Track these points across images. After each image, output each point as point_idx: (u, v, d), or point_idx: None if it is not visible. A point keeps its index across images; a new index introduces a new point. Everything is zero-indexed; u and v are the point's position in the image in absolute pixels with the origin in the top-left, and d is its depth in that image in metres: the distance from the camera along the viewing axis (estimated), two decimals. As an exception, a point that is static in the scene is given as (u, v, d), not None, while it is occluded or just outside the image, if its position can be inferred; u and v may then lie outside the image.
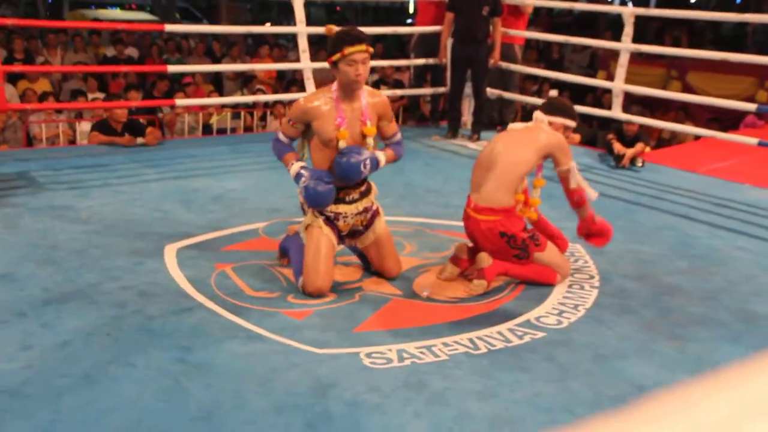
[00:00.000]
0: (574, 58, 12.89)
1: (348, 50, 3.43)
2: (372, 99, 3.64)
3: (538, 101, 8.26)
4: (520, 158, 3.75)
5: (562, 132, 3.87)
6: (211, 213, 4.91)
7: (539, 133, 3.81)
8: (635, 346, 3.26)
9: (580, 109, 7.62)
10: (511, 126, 3.96)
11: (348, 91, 3.56)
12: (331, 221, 3.69)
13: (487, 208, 3.76)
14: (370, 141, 3.64)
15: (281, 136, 3.68)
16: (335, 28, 3.62)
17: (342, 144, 3.57)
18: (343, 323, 3.33)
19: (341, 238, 3.77)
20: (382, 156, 3.65)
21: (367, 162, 3.56)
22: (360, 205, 3.74)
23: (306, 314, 3.40)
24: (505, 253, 3.79)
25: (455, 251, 3.95)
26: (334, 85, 3.59)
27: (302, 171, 3.57)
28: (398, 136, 3.79)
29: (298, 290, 3.64)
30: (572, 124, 3.90)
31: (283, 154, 3.67)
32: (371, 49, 3.50)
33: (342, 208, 3.69)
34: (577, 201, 3.89)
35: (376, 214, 3.82)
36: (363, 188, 3.73)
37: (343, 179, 3.57)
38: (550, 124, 3.86)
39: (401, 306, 3.56)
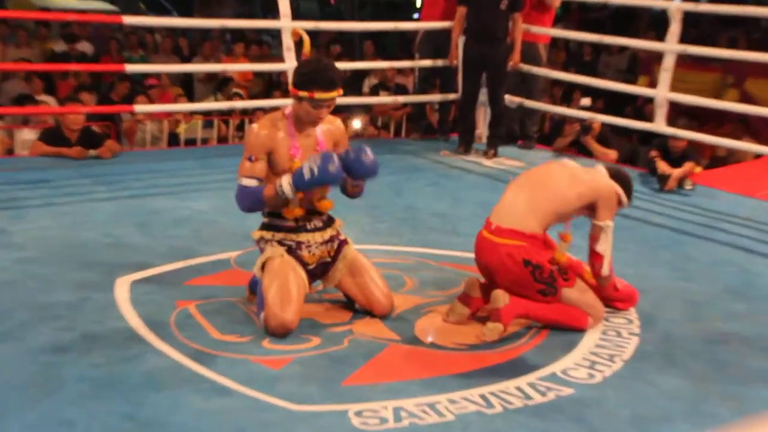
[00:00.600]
0: (610, 60, 12.94)
1: (318, 95, 3.58)
2: (327, 126, 3.80)
3: (567, 111, 8.29)
4: (565, 193, 3.85)
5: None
6: (174, 239, 4.87)
7: (595, 175, 3.95)
8: (683, 407, 3.21)
9: (617, 121, 7.65)
10: (567, 159, 4.08)
11: (303, 123, 3.71)
12: (293, 251, 3.74)
13: (511, 231, 3.76)
14: None
15: (246, 181, 3.65)
16: (305, 37, 3.75)
17: None
18: (329, 374, 3.28)
19: (310, 275, 3.78)
20: None
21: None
22: (325, 234, 3.82)
23: (284, 362, 3.35)
24: (527, 288, 3.76)
25: (465, 288, 3.91)
26: (288, 110, 3.73)
27: (300, 170, 3.56)
28: None
29: (263, 331, 3.61)
30: (626, 202, 4.01)
31: (257, 194, 3.63)
32: (341, 92, 3.65)
33: (304, 237, 3.76)
34: (597, 269, 3.96)
35: (344, 243, 3.88)
36: (325, 216, 3.85)
37: (363, 176, 3.68)
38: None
39: (399, 353, 3.51)
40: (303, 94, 3.58)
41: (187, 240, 4.86)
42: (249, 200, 3.67)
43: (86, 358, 3.28)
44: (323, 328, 3.71)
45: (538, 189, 3.86)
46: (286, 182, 3.59)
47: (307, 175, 3.54)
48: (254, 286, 3.92)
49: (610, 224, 3.91)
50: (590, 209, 3.92)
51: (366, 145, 3.69)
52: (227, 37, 14.67)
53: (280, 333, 3.56)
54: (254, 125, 3.71)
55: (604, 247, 3.90)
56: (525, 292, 3.77)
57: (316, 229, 3.80)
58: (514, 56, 7.68)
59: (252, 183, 3.64)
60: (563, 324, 3.81)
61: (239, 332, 3.62)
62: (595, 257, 3.94)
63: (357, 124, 9.06)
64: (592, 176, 3.95)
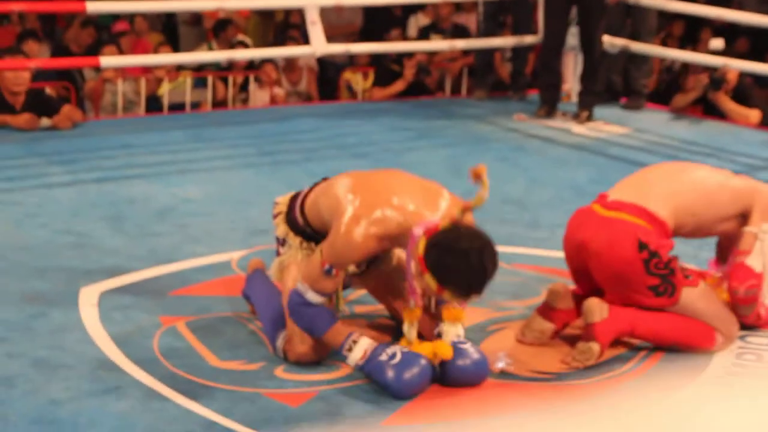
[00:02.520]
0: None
1: (448, 296, 3.43)
2: None
3: (690, 57, 8.24)
4: (715, 191, 3.94)
5: None
6: (155, 237, 4.95)
7: (749, 180, 4.06)
8: None
9: (761, 69, 7.58)
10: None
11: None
12: None
13: (633, 206, 3.80)
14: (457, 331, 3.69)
15: (310, 295, 3.53)
16: (485, 179, 3.58)
17: (410, 331, 3.60)
18: (363, 413, 3.32)
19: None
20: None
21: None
22: None
23: (305, 398, 3.40)
24: (634, 283, 3.77)
25: (548, 297, 3.94)
26: (416, 233, 3.46)
27: (378, 350, 3.53)
28: None
29: (281, 356, 3.66)
30: None
31: (322, 327, 3.56)
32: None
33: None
34: (740, 292, 3.95)
35: None
36: None
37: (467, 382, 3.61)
38: None
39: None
40: (434, 286, 3.39)
41: (172, 237, 4.95)
42: (305, 322, 3.58)
43: (40, 395, 3.33)
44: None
45: (682, 174, 3.94)
46: (358, 353, 3.51)
47: (382, 359, 3.48)
48: (250, 296, 4.01)
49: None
50: (738, 220, 3.97)
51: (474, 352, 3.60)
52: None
53: (307, 360, 3.61)
54: (355, 229, 3.46)
55: (757, 262, 3.91)
56: (632, 288, 3.78)
57: None
58: (615, -18, 7.70)
59: (317, 299, 3.54)
60: (681, 343, 3.83)
61: (244, 357, 3.68)
62: (741, 273, 3.93)
63: (718, 44, 8.45)
64: (745, 180, 4.05)
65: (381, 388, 3.45)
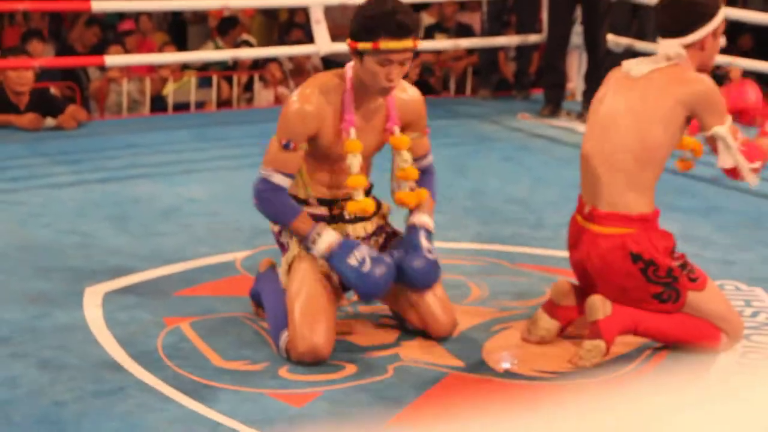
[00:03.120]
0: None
1: (384, 44, 3.56)
2: (403, 95, 3.82)
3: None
4: (651, 135, 3.74)
5: (704, 53, 3.84)
6: (160, 237, 4.97)
7: (671, 82, 3.77)
8: None
9: (765, 66, 7.57)
10: (628, 67, 3.89)
11: (368, 92, 3.71)
12: None
13: (612, 215, 3.76)
14: (404, 157, 3.79)
15: (276, 178, 3.66)
16: None
17: (353, 161, 3.66)
18: (368, 413, 3.32)
19: (343, 284, 3.83)
20: (429, 220, 3.86)
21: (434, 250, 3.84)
22: (367, 226, 3.87)
23: (309, 398, 3.41)
24: (638, 292, 3.76)
25: (552, 294, 3.94)
26: (348, 72, 3.72)
27: (342, 245, 3.64)
28: (430, 160, 3.97)
29: (284, 356, 3.68)
30: (719, 21, 3.83)
31: (289, 213, 3.68)
32: (417, 43, 3.65)
33: (341, 229, 3.79)
34: (742, 177, 3.89)
35: (393, 236, 3.94)
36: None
37: (417, 285, 3.79)
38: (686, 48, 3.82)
39: (462, 385, 3.56)
40: (365, 46, 3.56)
41: (176, 237, 4.96)
42: (273, 209, 3.70)
43: (44, 396, 3.34)
44: (360, 351, 3.77)
45: (621, 146, 3.77)
46: (323, 245, 3.62)
47: (351, 262, 3.60)
48: (258, 297, 4.02)
49: (726, 127, 3.77)
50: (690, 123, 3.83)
51: (427, 240, 3.77)
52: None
53: (310, 360, 3.62)
54: (295, 97, 3.68)
55: (731, 158, 3.81)
56: (636, 297, 3.77)
57: (357, 219, 3.84)
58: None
59: (284, 182, 3.66)
60: (686, 341, 3.83)
61: (248, 358, 3.69)
62: (726, 172, 3.89)
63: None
64: (668, 85, 3.76)
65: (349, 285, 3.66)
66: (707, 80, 3.77)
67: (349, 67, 3.71)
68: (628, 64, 3.88)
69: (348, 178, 3.68)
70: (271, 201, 3.68)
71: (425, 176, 3.91)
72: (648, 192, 3.79)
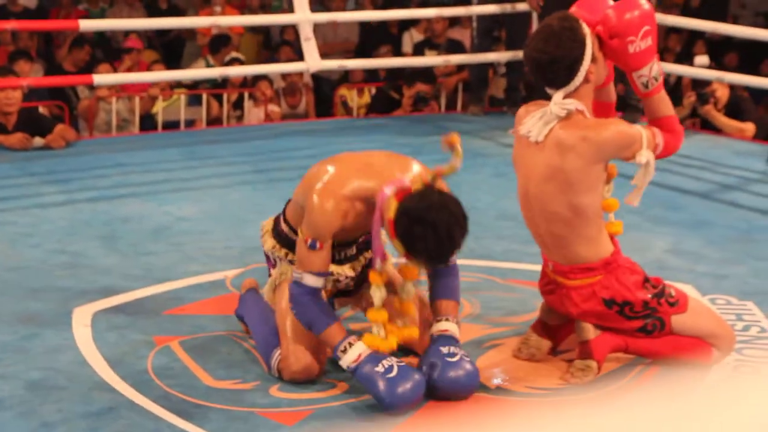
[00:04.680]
0: None
1: (418, 264, 3.55)
2: None
3: (683, 71, 8.26)
4: (578, 200, 3.66)
5: (592, 80, 3.68)
6: (150, 255, 4.97)
7: (577, 142, 3.63)
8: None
9: (754, 81, 7.60)
10: (526, 132, 3.80)
11: None
12: None
13: (574, 268, 3.74)
14: (407, 288, 3.71)
15: (311, 280, 3.54)
16: (458, 147, 3.62)
17: (376, 294, 3.57)
18: (361, 429, 3.33)
19: (329, 302, 3.82)
20: (450, 325, 3.70)
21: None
22: (357, 265, 3.85)
23: (300, 416, 3.42)
24: (625, 330, 3.78)
25: (542, 313, 3.95)
26: (382, 195, 3.49)
27: (371, 355, 3.51)
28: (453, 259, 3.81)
29: (275, 375, 3.67)
30: (586, 62, 3.63)
31: (323, 322, 3.55)
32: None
33: (332, 269, 3.74)
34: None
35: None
36: (361, 240, 3.82)
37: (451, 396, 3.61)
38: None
39: (455, 402, 3.56)
40: (400, 248, 3.44)
41: (166, 256, 4.96)
42: (306, 316, 3.57)
43: (33, 417, 3.33)
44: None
45: (547, 217, 3.74)
46: (352, 355, 3.49)
47: (377, 369, 3.45)
48: (243, 318, 4.03)
49: (647, 153, 3.65)
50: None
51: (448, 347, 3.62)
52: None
53: (303, 378, 3.62)
54: (325, 194, 3.51)
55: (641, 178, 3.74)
56: (624, 332, 3.79)
57: (346, 259, 3.82)
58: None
59: (318, 282, 3.55)
60: (677, 357, 3.83)
61: (239, 377, 3.69)
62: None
63: (703, 60, 8.36)
64: (571, 147, 3.63)
65: (373, 398, 3.46)
66: (606, 124, 3.67)
67: (383, 191, 3.47)
68: (524, 129, 3.79)
69: (370, 312, 3.60)
70: (305, 306, 3.56)
71: (444, 279, 3.78)
72: (597, 238, 3.73)
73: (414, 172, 3.57)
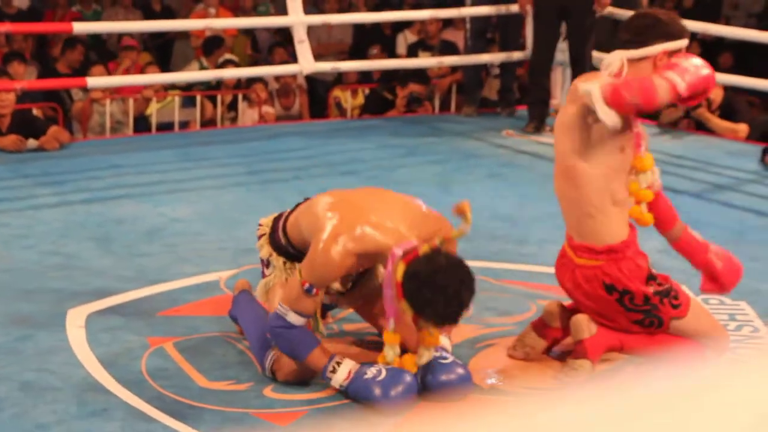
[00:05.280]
0: (741, 0, 12.89)
1: (428, 326, 3.51)
2: None
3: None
4: (576, 170, 3.74)
5: (658, 65, 3.63)
6: (144, 257, 4.97)
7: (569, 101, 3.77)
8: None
9: (748, 83, 7.62)
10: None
11: None
12: None
13: (582, 247, 3.78)
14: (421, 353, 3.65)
15: (295, 319, 3.52)
16: (468, 213, 3.64)
17: (388, 353, 3.56)
18: (355, 430, 3.33)
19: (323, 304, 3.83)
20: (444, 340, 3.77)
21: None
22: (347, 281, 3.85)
23: (294, 416, 3.43)
24: (622, 321, 3.80)
25: (543, 314, 3.96)
26: (382, 270, 3.58)
27: (360, 368, 3.53)
28: None
29: (269, 376, 3.68)
30: (678, 44, 3.69)
31: (305, 346, 3.54)
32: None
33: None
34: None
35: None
36: None
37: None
38: (634, 63, 3.67)
39: (448, 401, 3.56)
40: (424, 324, 3.49)
41: (160, 258, 4.96)
42: (287, 344, 3.57)
43: (26, 418, 3.35)
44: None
45: (564, 170, 3.82)
46: (342, 374, 3.50)
47: (367, 375, 3.48)
48: (237, 317, 4.03)
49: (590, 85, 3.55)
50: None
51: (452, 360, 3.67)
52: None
53: (296, 380, 3.63)
54: (332, 246, 3.46)
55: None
56: (621, 324, 3.80)
57: None
58: (602, -2, 7.72)
59: (301, 322, 3.53)
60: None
61: (233, 377, 3.70)
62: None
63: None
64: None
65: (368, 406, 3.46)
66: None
67: (396, 249, 3.43)
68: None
69: (385, 334, 3.59)
70: (283, 337, 3.55)
71: None
72: (602, 221, 3.75)
73: (422, 229, 3.59)
